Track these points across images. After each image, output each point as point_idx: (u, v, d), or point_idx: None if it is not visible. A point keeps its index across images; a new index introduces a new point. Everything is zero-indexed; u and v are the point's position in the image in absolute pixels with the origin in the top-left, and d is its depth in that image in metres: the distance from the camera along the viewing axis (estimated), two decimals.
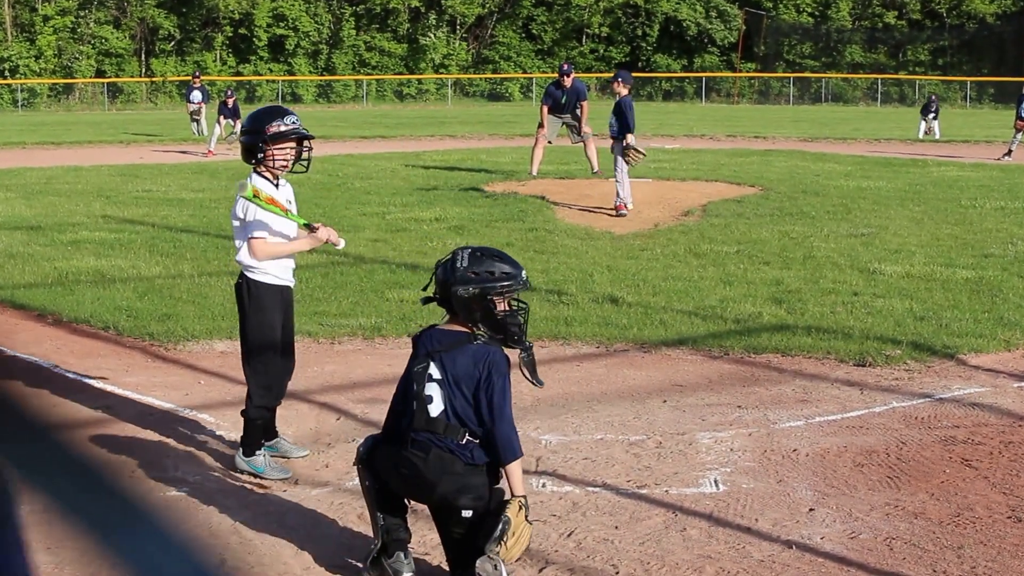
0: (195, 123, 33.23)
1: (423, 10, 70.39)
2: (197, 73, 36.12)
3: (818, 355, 8.85)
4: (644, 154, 16.11)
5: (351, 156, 26.86)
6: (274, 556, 5.27)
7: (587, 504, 5.88)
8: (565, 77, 20.01)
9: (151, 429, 7.19)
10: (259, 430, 6.33)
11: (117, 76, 63.10)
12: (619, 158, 15.87)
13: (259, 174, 6.29)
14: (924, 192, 18.96)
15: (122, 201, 18.49)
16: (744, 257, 12.88)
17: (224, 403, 7.67)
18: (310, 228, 6.28)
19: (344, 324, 9.84)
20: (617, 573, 5.06)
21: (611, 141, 16.18)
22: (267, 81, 65.12)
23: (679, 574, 5.05)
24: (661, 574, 5.06)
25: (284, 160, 6.29)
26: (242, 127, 6.32)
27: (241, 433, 6.41)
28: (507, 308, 4.91)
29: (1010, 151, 26.95)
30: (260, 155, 6.23)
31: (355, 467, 5.10)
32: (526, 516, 4.80)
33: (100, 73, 63.08)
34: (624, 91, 16.04)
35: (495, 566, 4.72)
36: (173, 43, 66.67)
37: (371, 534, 5.11)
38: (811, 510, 5.78)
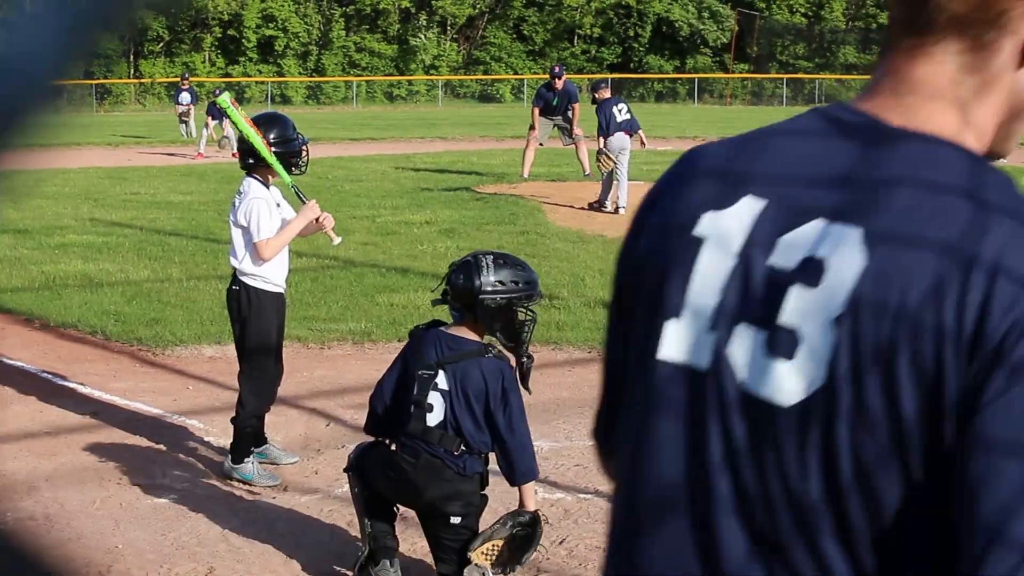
0: (183, 124, 33.13)
1: (413, 11, 70.38)
2: (186, 75, 36.02)
3: None
4: (614, 162, 16.54)
5: (341, 158, 26.78)
6: (263, 563, 5.24)
7: (579, 511, 5.84)
8: (556, 80, 19.99)
9: (139, 435, 7.14)
10: (249, 437, 6.28)
11: (105, 78, 62.97)
12: (620, 157, 16.35)
13: (256, 179, 6.24)
14: None
15: (110, 204, 18.42)
16: None
17: (213, 409, 7.62)
18: (299, 195, 6.24)
19: (334, 329, 9.78)
20: None
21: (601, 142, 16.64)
22: (256, 83, 65.06)
23: None
24: None
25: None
26: (271, 139, 6.23)
27: (231, 440, 6.35)
28: (524, 317, 4.89)
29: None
30: (295, 158, 6.29)
31: (345, 474, 5.03)
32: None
33: (88, 74, 62.31)
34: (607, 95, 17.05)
35: (483, 574, 4.68)
36: (162, 44, 66.59)
37: (359, 538, 5.07)
38: None
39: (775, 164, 1.35)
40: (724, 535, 1.26)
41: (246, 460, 6.25)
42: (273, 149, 6.21)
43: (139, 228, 15.68)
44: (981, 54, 1.28)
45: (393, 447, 4.82)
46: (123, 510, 5.90)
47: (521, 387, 5.03)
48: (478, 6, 71.77)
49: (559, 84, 19.96)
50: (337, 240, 6.50)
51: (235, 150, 6.75)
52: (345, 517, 5.61)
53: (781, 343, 1.23)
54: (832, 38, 72.70)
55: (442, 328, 4.86)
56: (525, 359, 4.98)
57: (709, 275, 1.31)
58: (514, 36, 73.46)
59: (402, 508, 5.02)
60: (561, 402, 7.84)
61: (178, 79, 35.33)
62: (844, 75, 69.44)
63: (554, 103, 19.98)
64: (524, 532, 4.98)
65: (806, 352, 1.21)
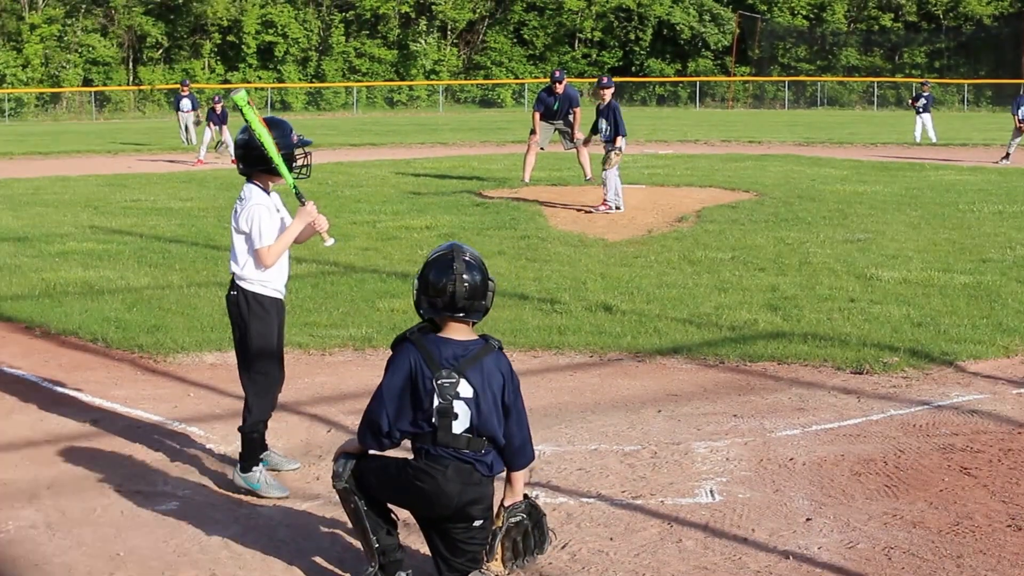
0: (184, 130, 33.09)
1: (413, 16, 70.39)
2: (186, 81, 36.00)
3: (815, 363, 8.79)
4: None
5: (341, 164, 26.78)
6: (265, 570, 5.22)
7: (581, 515, 5.81)
8: (557, 84, 19.98)
9: (140, 443, 7.11)
10: (257, 444, 6.26)
11: (105, 85, 62.97)
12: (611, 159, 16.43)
13: (256, 185, 6.21)
14: (921, 196, 18.92)
15: (110, 211, 18.40)
16: (739, 264, 12.82)
17: (214, 416, 7.60)
18: (297, 196, 6.20)
19: (335, 335, 9.76)
20: None
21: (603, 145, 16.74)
22: (257, 89, 65.03)
23: None
24: None
25: (304, 167, 6.39)
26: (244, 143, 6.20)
27: (239, 449, 6.30)
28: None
29: (1008, 154, 26.92)
30: (290, 162, 6.24)
31: (338, 489, 4.94)
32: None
33: (87, 82, 62.92)
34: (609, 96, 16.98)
35: None
36: (161, 51, 66.57)
37: (361, 546, 5.04)
38: (808, 520, 5.71)
39: None
40: None
41: (254, 469, 6.21)
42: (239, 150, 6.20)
43: (139, 235, 15.66)
44: None
45: (411, 459, 4.78)
46: (124, 517, 5.88)
47: None
48: (478, 11, 71.76)
49: (560, 88, 19.95)
50: (330, 241, 6.48)
51: (233, 156, 6.68)
52: (347, 523, 5.57)
53: None
54: (834, 40, 72.61)
55: (438, 335, 4.81)
56: None
57: None
58: (514, 40, 73.43)
59: (403, 515, 4.99)
60: (563, 406, 7.81)
61: (178, 86, 35.27)
62: (846, 77, 69.40)
63: (555, 107, 19.98)
64: (526, 521, 4.98)
65: None
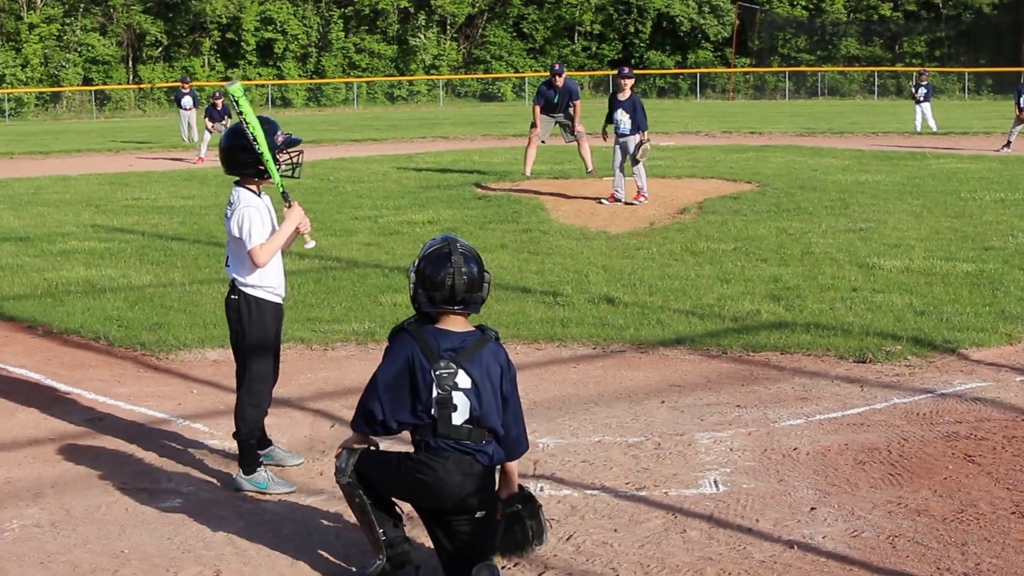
0: (187, 128, 33.07)
1: (412, 11, 70.30)
2: (187, 79, 35.97)
3: (818, 352, 8.78)
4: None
5: (342, 160, 26.78)
6: (270, 566, 5.22)
7: (585, 507, 5.81)
8: (557, 77, 19.95)
9: (143, 440, 7.11)
10: (254, 448, 6.25)
11: (105, 84, 62.96)
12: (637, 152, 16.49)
13: (245, 188, 6.20)
14: (923, 185, 18.90)
15: (112, 210, 18.40)
16: (741, 254, 12.80)
17: (217, 412, 7.60)
18: (284, 197, 6.19)
19: (337, 330, 9.76)
20: None
21: (614, 139, 16.81)
22: (256, 86, 65.00)
23: None
24: None
25: (290, 167, 6.31)
26: (234, 143, 6.17)
27: (238, 455, 6.29)
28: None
29: (1009, 142, 26.88)
30: (276, 167, 6.18)
31: (341, 484, 4.95)
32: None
33: (87, 81, 62.88)
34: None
35: (492, 572, 4.67)
36: (160, 49, 66.51)
37: (368, 540, 5.04)
38: (812, 509, 5.71)
39: None
40: None
41: (258, 469, 6.21)
42: (239, 156, 6.15)
43: (141, 233, 15.66)
44: None
45: (412, 452, 4.78)
46: (129, 515, 5.88)
47: None
48: (477, 5, 71.67)
49: (560, 81, 19.92)
50: (311, 243, 6.46)
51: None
52: (352, 518, 5.57)
53: None
54: (833, 31, 72.51)
55: (435, 326, 4.81)
56: None
57: None
58: (514, 34, 73.36)
59: (406, 508, 4.99)
60: (566, 399, 7.81)
61: (179, 84, 35.25)
62: (846, 67, 69.31)
63: (555, 100, 19.95)
64: (522, 511, 5.00)
65: None
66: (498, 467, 4.93)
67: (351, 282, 11.79)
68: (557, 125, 20.32)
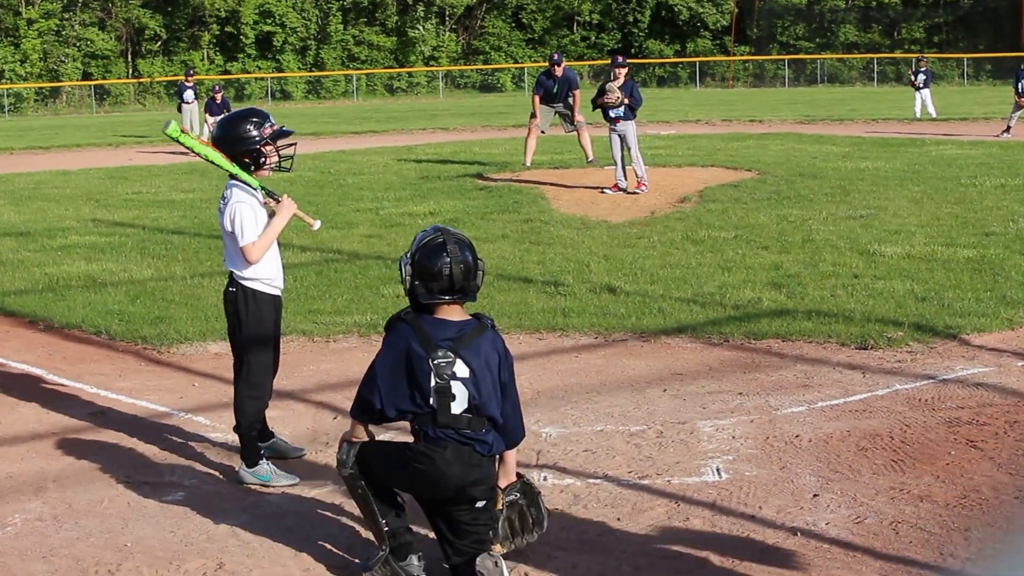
0: (188, 121, 33.01)
1: (411, 2, 70.21)
2: (190, 72, 35.97)
3: (819, 339, 8.77)
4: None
5: (343, 152, 26.76)
6: (273, 558, 5.22)
7: (588, 496, 5.81)
8: (556, 67, 19.92)
9: (145, 433, 7.11)
10: (255, 440, 6.25)
11: (104, 78, 62.90)
12: (633, 137, 16.48)
13: (238, 184, 6.18)
14: (923, 171, 18.87)
15: (112, 204, 18.39)
16: (742, 242, 12.79)
17: (219, 405, 7.59)
18: (270, 195, 6.17)
19: (339, 322, 9.76)
20: (620, 565, 5.00)
21: (609, 125, 16.75)
22: (256, 79, 64.95)
23: (683, 565, 4.98)
24: (664, 565, 4.98)
25: (276, 160, 6.24)
26: (227, 135, 6.14)
27: (240, 449, 6.29)
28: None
29: (1009, 128, 26.84)
30: (262, 159, 6.14)
31: (344, 476, 4.95)
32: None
33: (87, 76, 62.83)
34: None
35: (495, 563, 4.66)
36: (159, 43, 66.45)
37: (370, 532, 5.04)
38: (815, 496, 5.71)
39: None
40: None
41: (260, 462, 6.21)
42: (232, 148, 6.10)
43: (142, 227, 15.66)
44: None
45: (411, 441, 4.78)
46: (131, 508, 5.88)
47: None
48: None
49: (559, 71, 19.89)
50: (317, 225, 6.49)
51: None
52: (354, 509, 5.57)
53: None
54: (832, 18, 72.36)
55: (432, 315, 4.80)
56: None
57: None
58: (513, 25, 73.26)
59: (408, 498, 4.99)
60: (568, 388, 7.81)
61: (181, 77, 35.20)
62: (845, 54, 69.18)
63: (554, 90, 19.92)
64: (521, 499, 5.02)
65: None
66: (497, 456, 4.94)
67: (353, 274, 11.78)
68: (556, 115, 20.30)
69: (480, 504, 4.78)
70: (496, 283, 10.75)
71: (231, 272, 6.17)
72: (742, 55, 71.56)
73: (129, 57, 66.17)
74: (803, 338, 8.82)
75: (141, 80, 63.63)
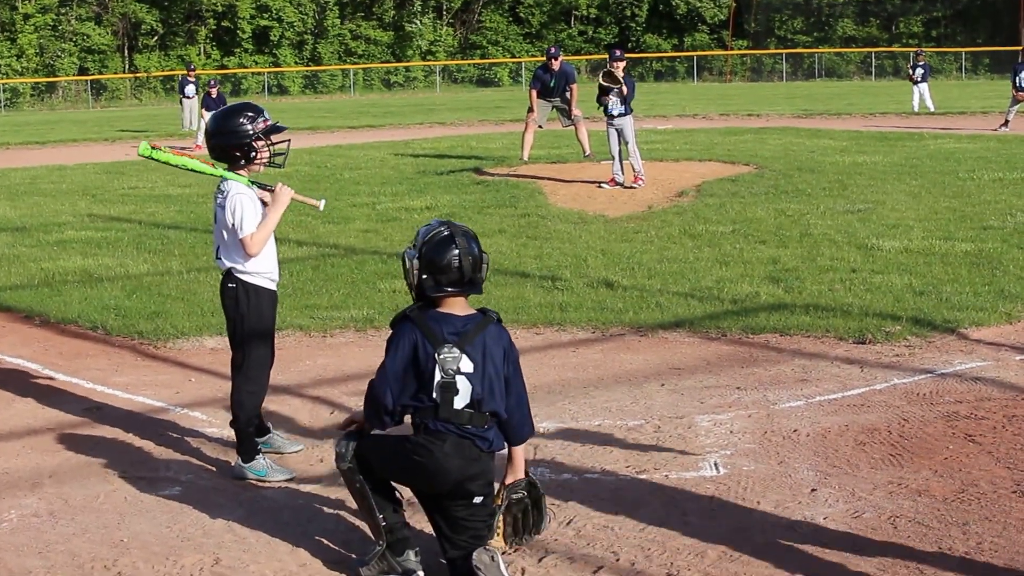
0: (188, 115, 33.02)
1: None
2: (192, 67, 35.97)
3: (817, 333, 8.76)
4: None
5: (339, 147, 26.73)
6: (269, 553, 5.20)
7: (586, 491, 5.79)
8: (553, 60, 19.89)
9: (141, 429, 7.09)
10: (252, 435, 6.23)
11: (100, 73, 62.80)
12: (630, 132, 16.48)
13: (235, 174, 6.16)
14: (921, 165, 18.86)
15: (108, 199, 18.36)
16: (740, 237, 12.78)
17: (215, 400, 7.58)
18: (263, 188, 6.16)
19: (336, 316, 9.74)
20: (618, 560, 4.98)
21: (607, 119, 16.72)
22: (253, 74, 64.87)
23: (681, 559, 4.97)
24: (662, 560, 4.97)
25: (268, 156, 6.21)
26: (217, 130, 6.12)
27: (236, 443, 6.27)
28: None
29: (1007, 121, 26.83)
30: (253, 154, 6.11)
31: (342, 470, 4.94)
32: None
33: (83, 71, 62.71)
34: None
35: (492, 557, 4.65)
36: (156, 38, 66.35)
37: (367, 527, 5.02)
38: (813, 491, 5.69)
39: None
40: None
41: (257, 457, 6.20)
42: (224, 144, 6.09)
43: (138, 222, 15.63)
44: None
45: (411, 435, 4.77)
46: (128, 504, 5.86)
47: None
48: None
49: (556, 65, 19.86)
50: (321, 204, 6.57)
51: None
52: (351, 504, 5.55)
53: None
54: (830, 11, 72.30)
55: (437, 311, 4.79)
56: None
57: None
58: (510, 19, 73.20)
59: (406, 494, 4.98)
60: (566, 383, 7.79)
61: (177, 72, 35.21)
62: (843, 48, 69.13)
63: (551, 84, 19.89)
64: (525, 498, 5.00)
65: None
66: (504, 452, 4.92)
67: (349, 269, 11.76)
68: (554, 109, 20.26)
69: (478, 500, 4.76)
70: (493, 278, 10.73)
71: (229, 268, 6.14)
72: (740, 49, 71.51)
73: (125, 52, 66.07)
74: (801, 332, 8.81)
75: (137, 75, 63.53)
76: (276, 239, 6.30)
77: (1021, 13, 65.40)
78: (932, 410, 6.91)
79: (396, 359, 4.74)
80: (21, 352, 9.14)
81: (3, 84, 58.54)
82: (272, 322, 6.31)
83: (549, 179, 17.69)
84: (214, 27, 66.59)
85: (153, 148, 6.16)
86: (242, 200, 6.03)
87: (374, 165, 22.08)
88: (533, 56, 66.21)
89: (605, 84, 16.74)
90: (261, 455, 6.22)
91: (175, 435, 6.97)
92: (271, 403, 6.57)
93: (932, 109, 33.90)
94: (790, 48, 69.21)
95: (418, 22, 69.77)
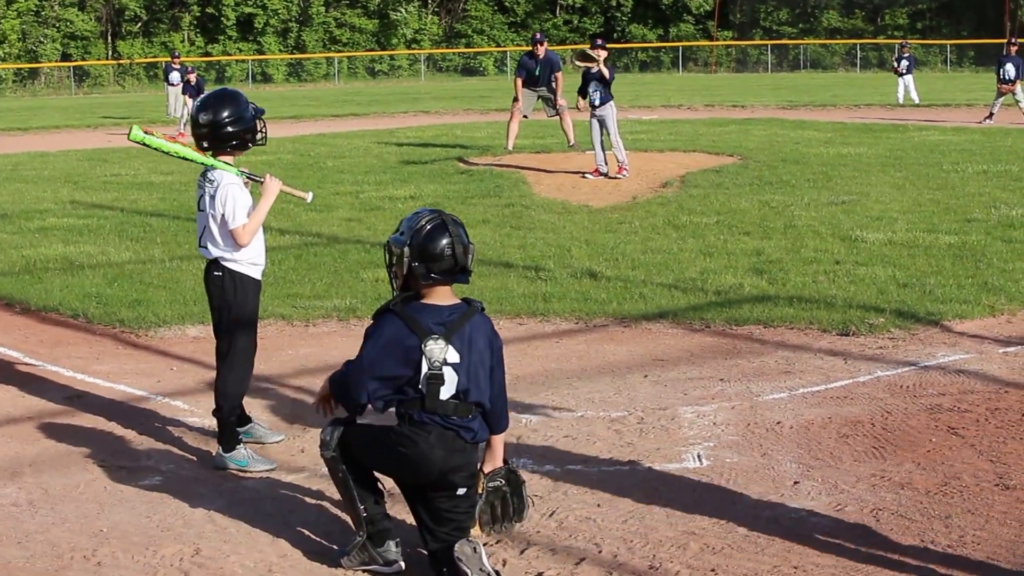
0: (173, 102, 32.88)
1: None
2: (177, 54, 35.81)
3: (801, 325, 8.76)
4: None
5: (323, 135, 26.63)
6: (250, 543, 5.17)
7: (569, 482, 5.78)
8: (538, 46, 19.83)
9: (122, 418, 7.05)
10: (235, 425, 6.21)
11: (83, 59, 62.45)
12: (612, 122, 16.36)
13: (222, 162, 6.14)
14: (905, 157, 18.88)
15: (90, 186, 18.25)
16: (724, 228, 12.77)
17: (197, 389, 7.55)
18: (252, 179, 6.14)
19: (318, 306, 9.70)
20: (600, 552, 4.97)
21: (590, 110, 16.63)
22: (236, 61, 64.60)
23: (663, 551, 4.96)
24: (644, 552, 4.96)
25: (262, 137, 6.30)
26: (223, 118, 6.09)
27: (217, 432, 6.24)
28: None
29: (991, 114, 26.89)
30: (251, 135, 6.16)
31: (326, 458, 4.92)
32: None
33: (66, 57, 62.35)
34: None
35: (474, 548, 4.63)
36: (140, 24, 65.99)
37: (348, 517, 5.00)
38: (796, 483, 5.69)
39: None
40: None
41: (238, 447, 6.17)
42: (230, 128, 6.09)
43: (120, 210, 15.54)
44: None
45: (395, 425, 4.74)
46: (108, 493, 5.82)
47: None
48: None
49: (541, 50, 19.79)
50: (309, 196, 6.56)
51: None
52: (333, 495, 5.52)
53: None
54: (815, 3, 72.34)
55: (421, 302, 4.76)
56: None
57: None
58: (495, 8, 73.03)
59: (389, 484, 4.95)
60: (549, 373, 7.78)
61: (161, 59, 35.07)
62: (828, 40, 69.20)
63: (536, 72, 19.81)
64: (504, 487, 5.01)
65: None
66: (483, 442, 4.91)
67: (332, 258, 11.72)
68: (539, 99, 20.22)
69: (461, 491, 4.75)
70: (477, 268, 10.60)
71: (217, 256, 6.11)
72: (725, 40, 71.52)
73: (109, 38, 65.71)
74: (785, 324, 8.81)
75: (121, 62, 63.19)
76: (263, 227, 6.27)
77: (1006, 6, 65.61)
78: (915, 403, 6.92)
79: (373, 352, 4.71)
80: (1, 340, 9.07)
81: None
82: (257, 311, 6.30)
83: (533, 169, 17.66)
84: (198, 14, 66.27)
85: (146, 133, 6.12)
86: (233, 190, 6.04)
87: (358, 154, 22.00)
88: (518, 45, 66.10)
89: (581, 64, 16.74)
90: (242, 445, 6.20)
91: (156, 424, 6.93)
92: (252, 393, 6.54)
93: (917, 101, 33.96)
94: (775, 39, 69.25)
95: (403, 10, 69.56)
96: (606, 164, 16.55)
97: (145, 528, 5.36)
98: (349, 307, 9.59)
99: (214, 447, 6.28)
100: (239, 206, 6.02)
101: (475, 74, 67.83)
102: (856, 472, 5.81)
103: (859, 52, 65.77)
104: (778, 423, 6.60)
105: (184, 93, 29.26)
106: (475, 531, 4.93)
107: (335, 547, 5.06)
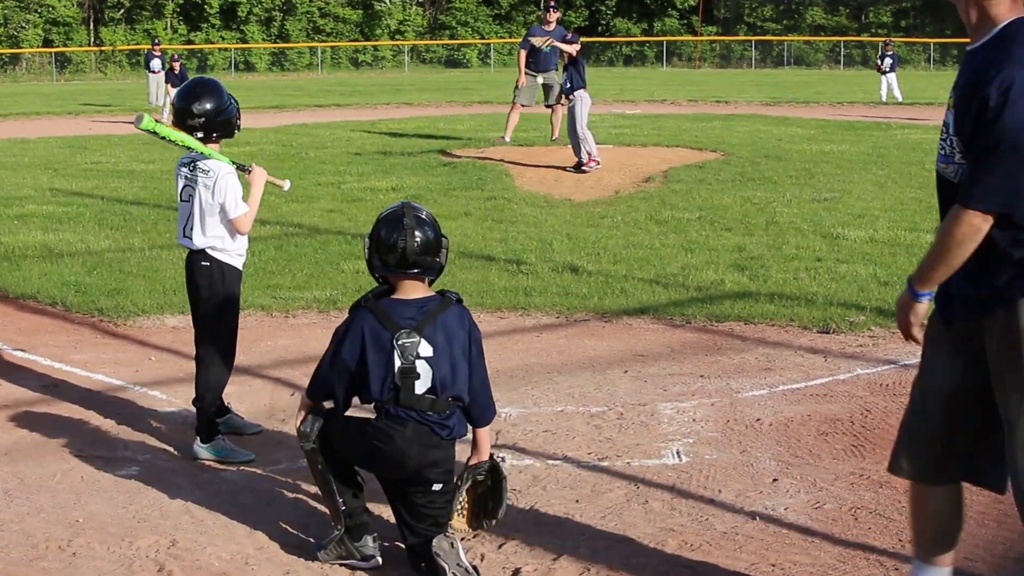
0: (155, 90, 32.73)
1: None
2: (157, 41, 35.64)
3: (781, 322, 8.77)
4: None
5: (305, 125, 26.52)
6: (227, 535, 5.15)
7: (547, 478, 5.77)
8: (551, 12, 19.69)
9: (100, 407, 7.01)
10: (214, 416, 6.18)
11: (65, 45, 62.09)
12: (580, 111, 16.28)
13: (218, 154, 6.15)
14: (887, 155, 18.93)
15: (70, 174, 18.15)
16: (706, 223, 12.78)
17: (176, 379, 7.50)
18: (242, 168, 6.14)
19: (298, 297, 9.67)
20: (578, 548, 4.96)
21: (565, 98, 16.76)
22: (219, 50, 64.32)
23: (641, 548, 4.95)
24: (623, 548, 4.95)
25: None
26: (216, 107, 6.08)
27: (196, 423, 6.21)
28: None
29: None
30: (235, 124, 6.21)
31: (305, 450, 4.90)
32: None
33: (47, 43, 61.97)
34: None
35: (452, 544, 4.62)
36: (122, 11, 65.63)
37: (326, 510, 4.98)
38: (775, 480, 5.69)
39: None
40: None
41: (216, 438, 6.14)
42: (222, 118, 6.09)
43: (100, 197, 15.45)
44: None
45: (373, 418, 4.73)
46: (84, 483, 5.78)
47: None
48: None
49: (552, 17, 19.65)
50: (287, 184, 6.58)
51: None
52: (311, 487, 5.51)
53: None
54: (800, 0, 72.46)
55: (393, 296, 4.74)
56: None
57: None
58: (480, 0, 72.89)
59: (366, 477, 4.93)
60: (529, 368, 7.76)
61: (143, 46, 34.91)
62: (812, 36, 69.34)
63: (544, 51, 19.36)
64: (487, 480, 5.00)
65: None
66: (466, 437, 4.89)
67: (313, 249, 11.68)
68: (541, 89, 19.98)
69: (437, 487, 4.73)
70: (458, 261, 10.68)
71: (205, 247, 6.08)
72: (709, 35, 71.60)
73: (91, 24, 65.35)
74: (765, 321, 8.82)
75: (103, 48, 62.87)
76: None
77: None
78: (895, 401, 6.92)
79: (343, 348, 4.71)
80: None
81: None
82: (238, 299, 6.29)
83: (516, 163, 17.64)
84: (181, 1, 65.96)
85: (157, 122, 6.08)
86: (231, 180, 6.07)
87: (340, 144, 21.93)
88: (502, 38, 66.05)
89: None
90: (220, 436, 6.17)
91: (134, 414, 6.89)
92: (231, 384, 6.49)
93: (900, 99, 34.06)
94: (759, 35, 69.36)
95: (387, 1, 69.40)
96: (581, 153, 16.42)
97: (121, 519, 5.33)
98: (329, 298, 9.57)
99: (192, 438, 6.25)
100: (239, 195, 6.06)
101: (459, 66, 67.73)
102: (835, 470, 5.82)
103: (843, 49, 65.94)
104: (758, 420, 6.60)
105: (167, 82, 29.13)
106: (455, 522, 4.92)
107: (312, 540, 5.03)
